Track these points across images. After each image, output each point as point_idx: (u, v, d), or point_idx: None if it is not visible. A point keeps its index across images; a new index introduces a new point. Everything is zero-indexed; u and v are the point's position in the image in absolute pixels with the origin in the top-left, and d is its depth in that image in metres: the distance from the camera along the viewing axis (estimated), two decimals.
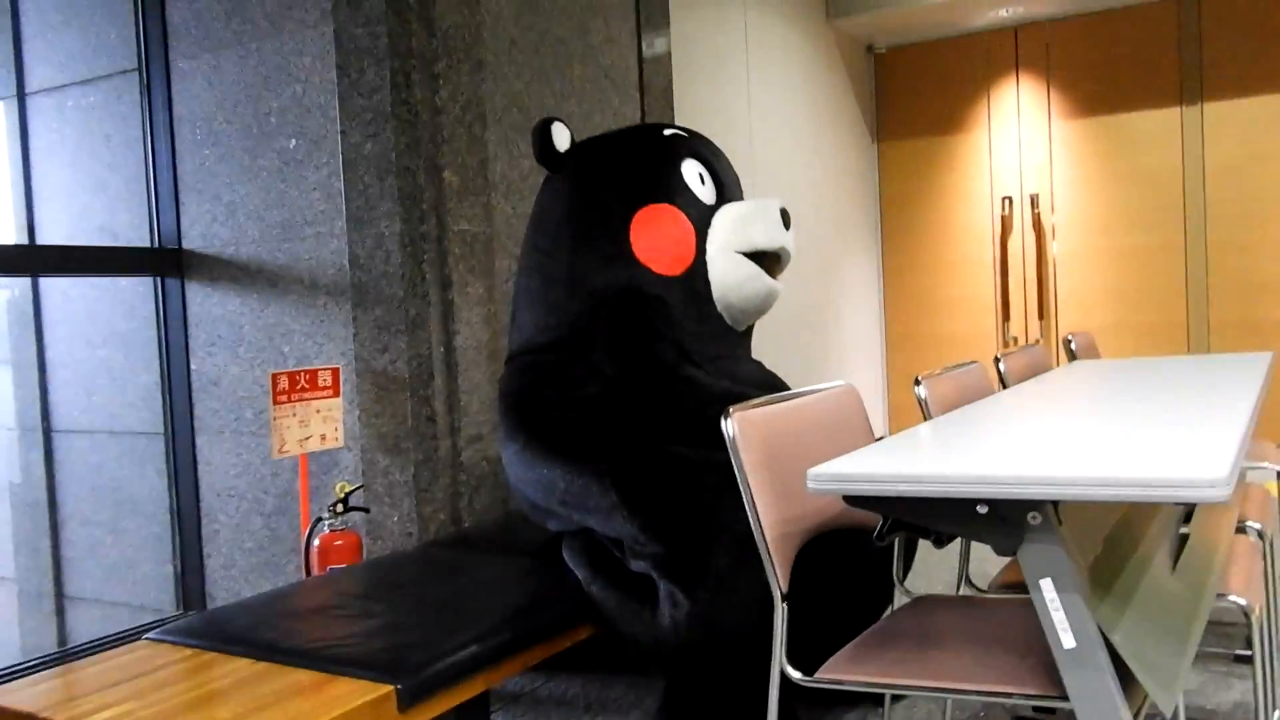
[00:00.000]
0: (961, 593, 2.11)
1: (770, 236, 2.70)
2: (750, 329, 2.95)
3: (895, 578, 2.05)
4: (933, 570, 3.86)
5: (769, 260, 2.78)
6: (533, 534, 2.89)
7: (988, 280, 6.89)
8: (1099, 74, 6.54)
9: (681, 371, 2.55)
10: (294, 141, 3.30)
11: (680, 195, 2.73)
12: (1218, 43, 6.22)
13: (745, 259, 2.71)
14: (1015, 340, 6.79)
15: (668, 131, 2.88)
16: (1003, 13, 6.56)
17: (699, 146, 2.90)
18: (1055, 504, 1.36)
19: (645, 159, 2.78)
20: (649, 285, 2.63)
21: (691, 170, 2.79)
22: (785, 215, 2.70)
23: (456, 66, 3.22)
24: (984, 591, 2.06)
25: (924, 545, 2.08)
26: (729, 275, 2.70)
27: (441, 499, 3.13)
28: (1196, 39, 6.28)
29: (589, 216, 2.69)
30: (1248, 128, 6.15)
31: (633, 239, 2.65)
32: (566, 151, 2.84)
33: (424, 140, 3.12)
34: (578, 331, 2.61)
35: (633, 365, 2.55)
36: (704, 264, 2.70)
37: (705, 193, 2.78)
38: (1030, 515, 1.35)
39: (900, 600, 2.04)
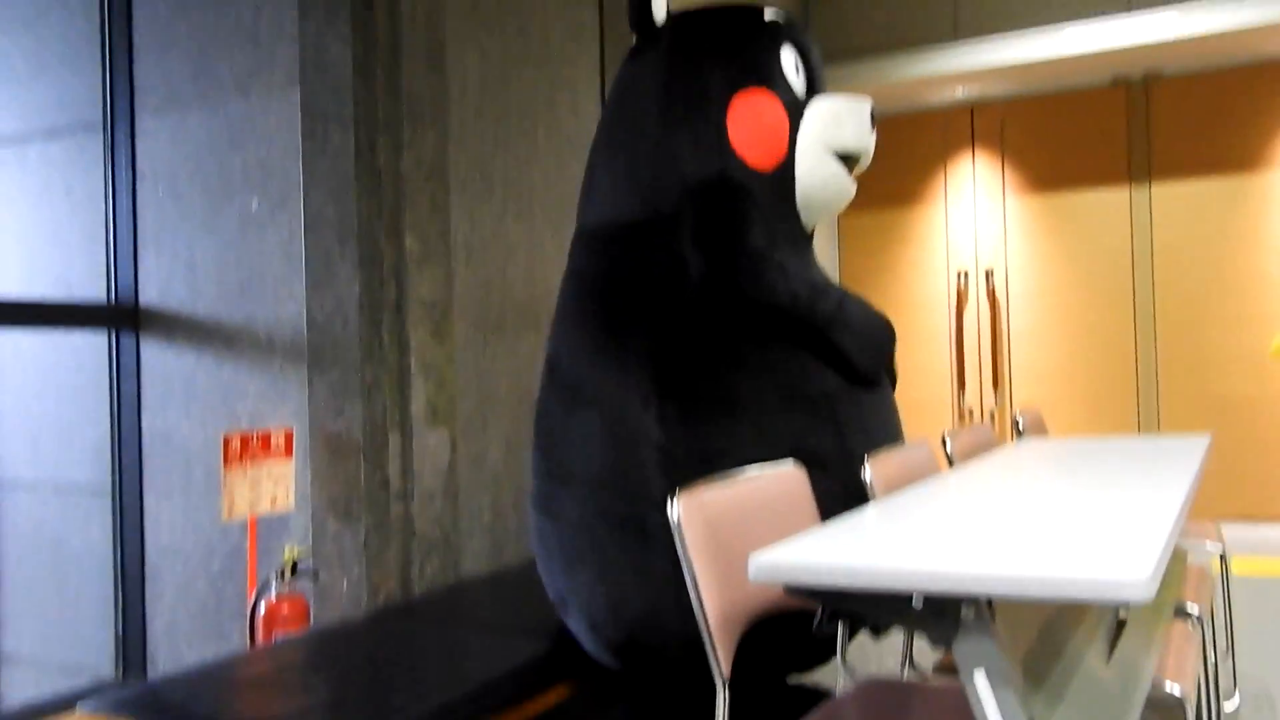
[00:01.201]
0: (906, 676, 2.12)
1: (860, 138, 2.59)
2: (813, 234, 2.83)
3: (840, 662, 2.06)
4: (878, 645, 3.87)
5: (850, 162, 2.66)
6: (485, 602, 2.88)
7: (943, 352, 6.99)
8: (1052, 153, 6.73)
9: (769, 280, 2.43)
10: (256, 202, 3.32)
11: (778, 83, 2.59)
12: (1165, 127, 6.43)
13: (833, 158, 2.59)
14: (970, 411, 6.88)
15: (768, 16, 2.73)
16: (959, 91, 6.75)
17: (797, 34, 2.75)
18: (988, 600, 1.39)
19: (747, 40, 2.63)
20: (742, 177, 2.49)
21: (789, 58, 2.64)
22: (874, 116, 2.63)
23: (422, 133, 3.27)
24: (927, 674, 2.08)
25: None
26: (815, 173, 2.57)
27: (392, 565, 3.10)
28: (1144, 123, 6.48)
29: (685, 94, 2.53)
30: (1194, 209, 6.34)
31: (730, 125, 2.51)
32: (663, 24, 2.62)
33: (386, 204, 3.14)
34: (664, 217, 2.45)
35: (722, 263, 2.42)
36: (793, 159, 2.57)
37: (798, 83, 2.65)
38: (964, 610, 1.38)
39: (843, 680, 2.05)
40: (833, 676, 2.66)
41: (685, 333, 2.37)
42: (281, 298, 3.27)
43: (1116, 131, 6.55)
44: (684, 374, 2.33)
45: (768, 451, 2.28)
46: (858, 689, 1.91)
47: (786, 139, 2.55)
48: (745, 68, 2.56)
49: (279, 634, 2.88)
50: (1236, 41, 5.88)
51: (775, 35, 2.65)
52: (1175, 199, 6.39)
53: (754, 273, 2.42)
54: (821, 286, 2.44)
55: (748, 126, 2.50)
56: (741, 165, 2.48)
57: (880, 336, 2.49)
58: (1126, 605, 1.98)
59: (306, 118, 3.17)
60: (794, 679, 2.57)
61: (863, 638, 3.84)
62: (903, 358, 7.10)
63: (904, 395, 7.08)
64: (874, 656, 3.65)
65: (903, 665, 2.13)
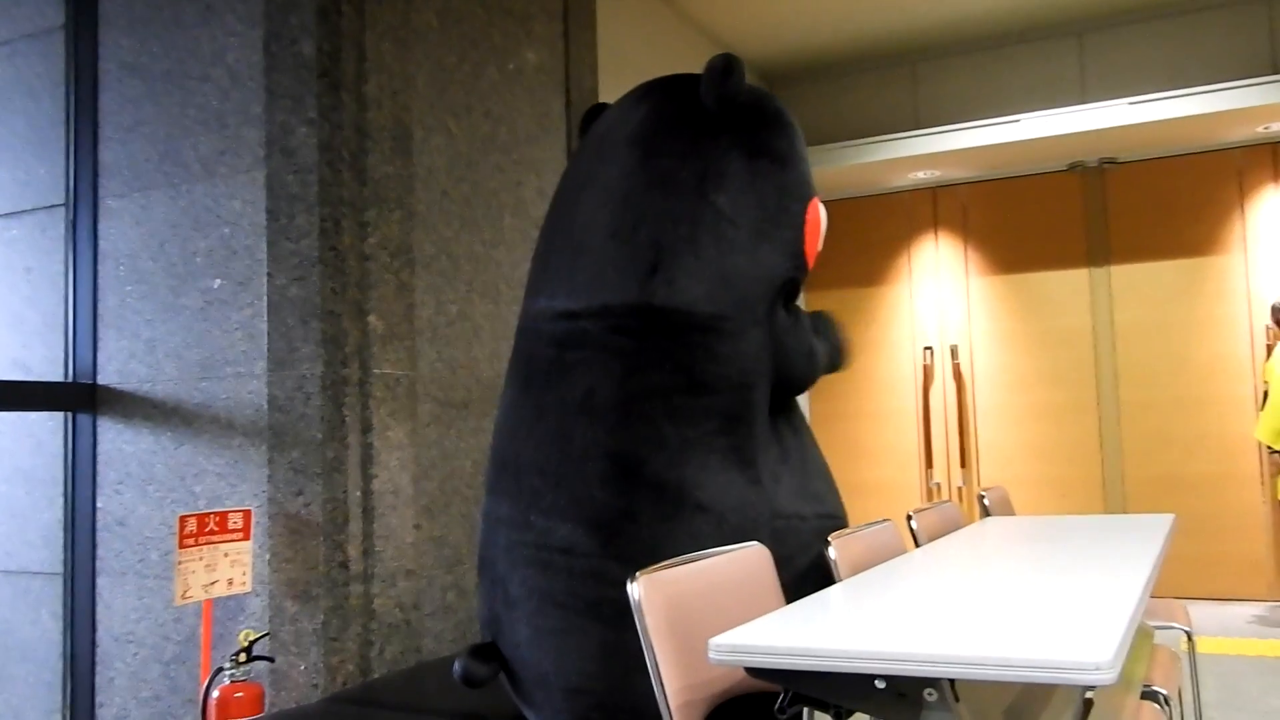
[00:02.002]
0: None
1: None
2: None
3: None
4: None
5: None
6: (445, 686, 2.81)
7: (911, 429, 7.02)
8: (1013, 235, 6.86)
9: (814, 366, 2.61)
10: (219, 282, 3.31)
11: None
12: (1122, 211, 6.59)
13: None
14: (938, 487, 6.89)
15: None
16: (921, 174, 6.89)
17: None
18: (951, 681, 1.37)
19: (797, 139, 2.69)
20: (802, 276, 2.60)
21: None
22: None
23: (387, 215, 3.28)
24: None
25: None
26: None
27: (351, 648, 3.03)
28: (1102, 207, 6.64)
29: (776, 195, 2.54)
30: (1153, 292, 6.46)
31: (807, 233, 2.59)
32: (736, 104, 2.57)
33: (350, 285, 3.14)
34: (744, 310, 2.44)
35: (785, 355, 2.52)
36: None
37: None
38: (926, 692, 1.36)
39: None
40: None
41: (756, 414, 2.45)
42: (243, 377, 3.24)
43: (1074, 215, 6.70)
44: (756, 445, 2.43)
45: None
46: None
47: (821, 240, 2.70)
48: (808, 174, 2.68)
49: None
50: (1187, 130, 6.06)
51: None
52: (1134, 281, 6.51)
53: (809, 365, 2.59)
54: (819, 353, 2.68)
55: (812, 232, 2.62)
56: (804, 265, 2.61)
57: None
58: (1091, 687, 1.96)
59: (271, 199, 3.18)
60: None
61: None
62: (871, 435, 7.12)
63: (872, 473, 7.08)
64: None
65: None
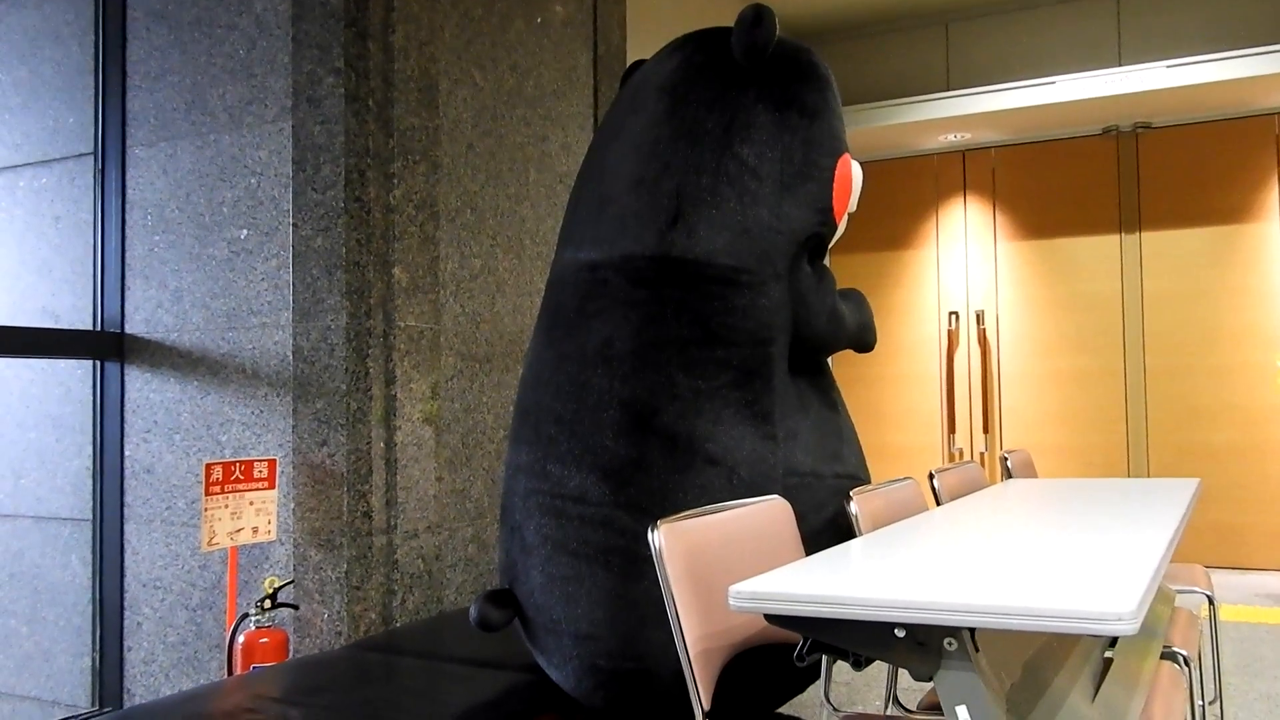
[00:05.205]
0: (890, 712, 2.09)
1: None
2: None
3: (824, 698, 2.03)
4: (864, 678, 3.82)
5: None
6: (467, 636, 2.84)
7: (934, 394, 6.99)
8: (1043, 200, 6.77)
9: (837, 325, 2.58)
10: (245, 232, 3.32)
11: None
12: (1155, 177, 6.49)
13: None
14: (960, 453, 6.87)
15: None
16: (951, 137, 6.81)
17: None
18: (971, 630, 1.37)
19: (832, 93, 2.64)
20: (828, 232, 2.56)
21: None
22: None
23: (412, 167, 3.27)
24: (911, 712, 2.05)
25: None
26: (843, 225, 2.68)
27: (374, 597, 3.07)
28: (1134, 173, 6.54)
29: (804, 155, 2.50)
30: (1183, 258, 6.38)
31: (835, 188, 2.55)
32: (765, 55, 2.52)
33: (375, 237, 3.14)
34: (765, 264, 2.41)
35: (807, 311, 2.49)
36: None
37: None
38: (946, 641, 1.35)
39: (827, 717, 2.02)
40: (820, 711, 2.62)
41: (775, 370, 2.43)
42: (268, 327, 3.26)
43: (1107, 180, 6.60)
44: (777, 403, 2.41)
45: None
46: None
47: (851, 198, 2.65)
48: (840, 130, 2.63)
49: (257, 666, 2.84)
50: (1223, 95, 5.95)
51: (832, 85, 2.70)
52: (1164, 248, 6.42)
53: (830, 325, 2.55)
54: (845, 318, 2.65)
55: (841, 188, 2.57)
56: (832, 221, 2.56)
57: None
58: (1112, 639, 1.95)
59: (297, 149, 3.18)
60: (783, 710, 2.52)
61: (847, 672, 3.79)
62: (894, 399, 7.09)
63: (894, 437, 7.07)
64: (861, 693, 3.61)
65: (886, 702, 2.10)
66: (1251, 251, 6.19)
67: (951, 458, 6.89)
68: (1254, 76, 5.62)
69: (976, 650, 1.37)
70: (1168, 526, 1.87)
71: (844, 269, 7.24)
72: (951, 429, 6.91)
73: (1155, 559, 1.52)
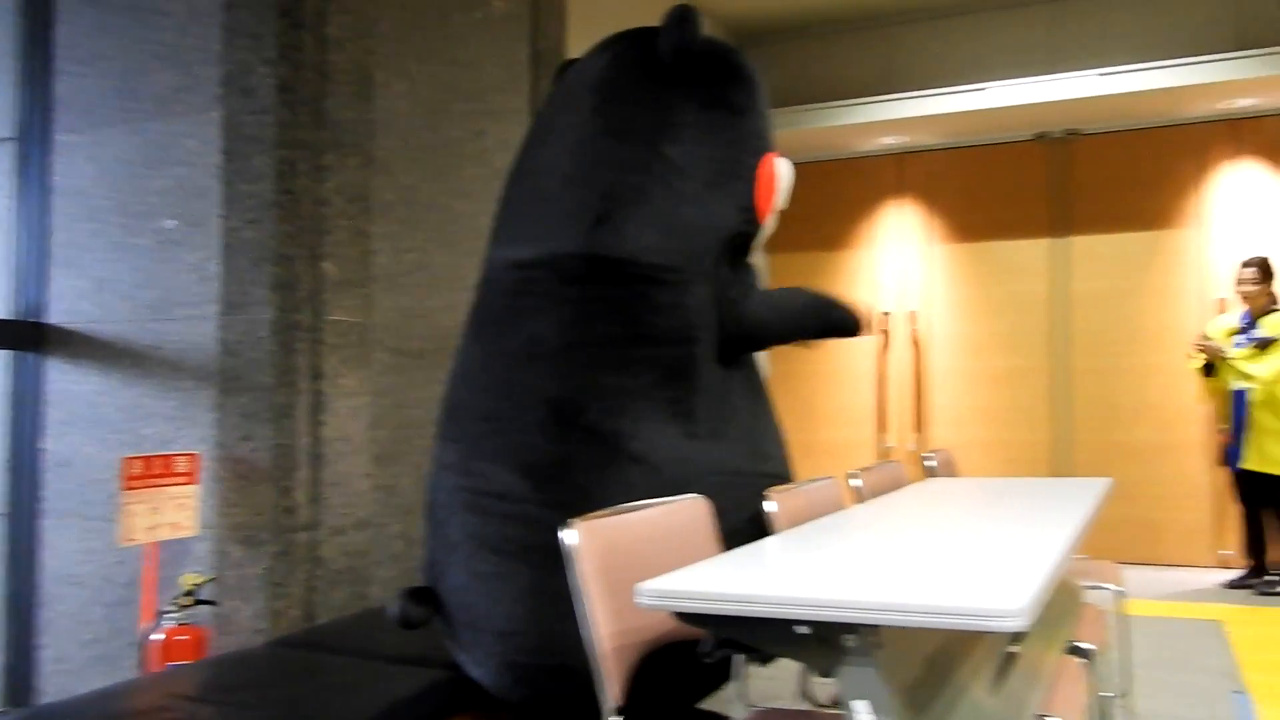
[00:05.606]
0: (802, 707, 2.13)
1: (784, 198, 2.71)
2: None
3: (738, 693, 2.06)
4: (786, 672, 3.87)
5: None
6: (389, 634, 2.83)
7: (868, 391, 7.09)
8: (976, 203, 6.90)
9: (763, 321, 2.55)
10: (172, 222, 3.27)
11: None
12: (1085, 182, 6.64)
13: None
14: (890, 450, 6.97)
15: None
16: (889, 140, 6.90)
17: None
18: (873, 627, 1.40)
19: (758, 92, 2.64)
20: (753, 230, 2.56)
21: None
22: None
23: (345, 160, 3.25)
24: (823, 707, 2.09)
25: None
26: (769, 225, 2.67)
27: (296, 594, 3.04)
28: (1065, 177, 6.69)
29: (728, 153, 2.52)
30: (1111, 262, 6.54)
31: (758, 185, 2.56)
32: (692, 54, 2.52)
33: (305, 229, 3.12)
34: (692, 262, 2.42)
35: (732, 308, 2.49)
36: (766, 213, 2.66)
37: None
38: (846, 638, 1.39)
39: (742, 711, 2.05)
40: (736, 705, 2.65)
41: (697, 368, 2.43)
42: (193, 319, 3.21)
43: (1038, 185, 6.75)
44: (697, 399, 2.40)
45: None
46: (755, 717, 1.91)
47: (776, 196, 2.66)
48: (766, 129, 2.64)
49: (173, 664, 2.80)
50: (1152, 104, 6.11)
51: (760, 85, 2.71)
52: (1093, 251, 6.58)
53: (758, 319, 2.53)
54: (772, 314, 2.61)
55: (765, 187, 2.59)
56: (756, 220, 2.58)
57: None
58: (1006, 635, 2.01)
59: (228, 139, 3.14)
60: (701, 706, 2.55)
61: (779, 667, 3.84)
62: (827, 397, 7.18)
63: (827, 434, 7.15)
64: (785, 687, 3.66)
65: (798, 695, 2.14)
66: (1173, 255, 6.37)
67: (882, 456, 6.99)
68: (1181, 86, 5.78)
69: (879, 646, 1.41)
70: (1071, 525, 1.92)
71: (783, 268, 7.31)
72: (883, 427, 7.01)
73: (1054, 557, 1.57)
